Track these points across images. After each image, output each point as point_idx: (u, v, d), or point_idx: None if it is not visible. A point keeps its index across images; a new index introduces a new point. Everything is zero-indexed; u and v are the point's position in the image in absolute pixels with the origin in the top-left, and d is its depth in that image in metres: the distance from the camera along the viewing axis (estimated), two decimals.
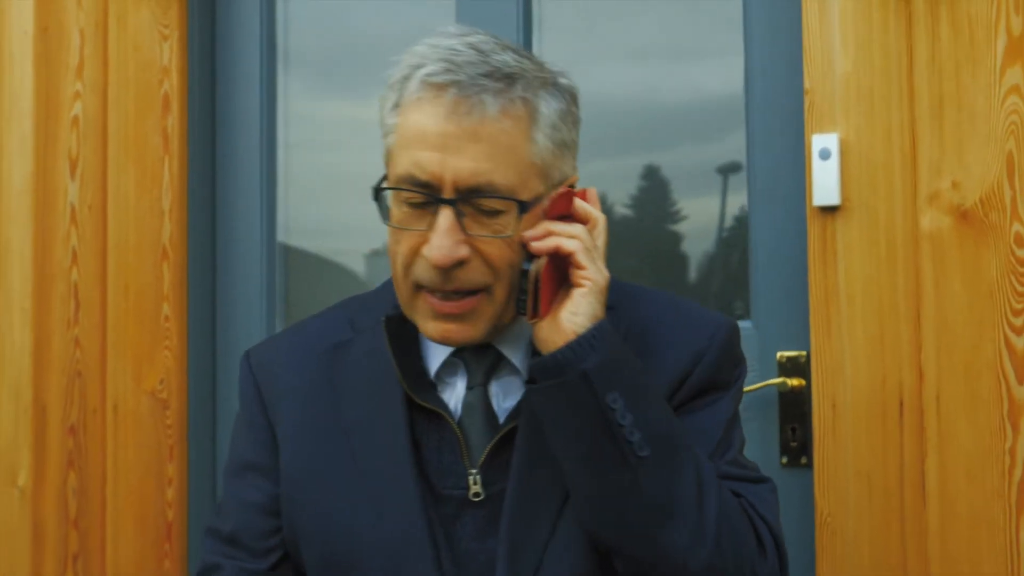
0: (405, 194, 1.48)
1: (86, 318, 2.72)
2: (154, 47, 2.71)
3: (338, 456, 1.59)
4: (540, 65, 1.54)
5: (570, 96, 1.55)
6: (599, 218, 1.54)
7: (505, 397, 1.60)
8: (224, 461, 1.75)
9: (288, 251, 2.84)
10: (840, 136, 2.22)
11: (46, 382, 2.75)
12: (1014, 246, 2.14)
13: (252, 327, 2.78)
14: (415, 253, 1.49)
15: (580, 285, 1.49)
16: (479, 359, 1.59)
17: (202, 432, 2.76)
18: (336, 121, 2.84)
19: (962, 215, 2.17)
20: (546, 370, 1.46)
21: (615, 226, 2.61)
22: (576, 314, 1.47)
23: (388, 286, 1.63)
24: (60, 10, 2.76)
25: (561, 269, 1.51)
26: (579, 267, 1.49)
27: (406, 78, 1.50)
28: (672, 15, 2.58)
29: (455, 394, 1.60)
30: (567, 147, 1.54)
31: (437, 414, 1.56)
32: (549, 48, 2.64)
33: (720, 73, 2.51)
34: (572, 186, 1.57)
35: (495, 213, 1.48)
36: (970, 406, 2.14)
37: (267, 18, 2.80)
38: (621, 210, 2.67)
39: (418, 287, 1.51)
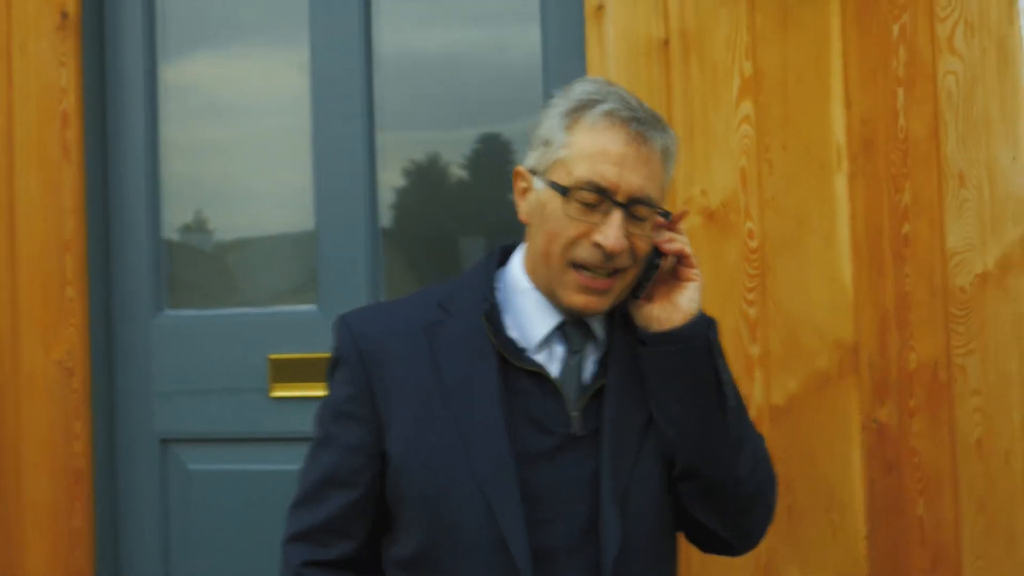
0: (582, 193, 1.79)
1: (1, 300, 2.94)
2: (52, 72, 2.93)
3: (439, 409, 1.83)
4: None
5: (677, 142, 1.91)
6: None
7: (586, 360, 1.90)
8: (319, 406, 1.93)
9: (171, 241, 3.02)
10: None
11: None
12: (747, 239, 2.56)
13: (142, 306, 2.99)
14: (580, 237, 1.80)
15: (693, 280, 1.87)
16: (577, 332, 1.89)
17: (103, 394, 2.97)
18: (211, 123, 3.02)
19: (709, 215, 2.59)
20: (673, 339, 1.82)
21: (453, 194, 2.91)
22: (692, 300, 1.85)
23: (468, 278, 1.94)
24: None
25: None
26: (691, 266, 1.87)
27: (583, 107, 1.82)
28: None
29: (554, 358, 1.88)
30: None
31: (537, 373, 1.85)
32: (387, 9, 2.88)
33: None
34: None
35: (641, 220, 1.82)
36: None
37: (148, 46, 3.02)
38: (458, 173, 2.89)
39: (574, 265, 1.82)
